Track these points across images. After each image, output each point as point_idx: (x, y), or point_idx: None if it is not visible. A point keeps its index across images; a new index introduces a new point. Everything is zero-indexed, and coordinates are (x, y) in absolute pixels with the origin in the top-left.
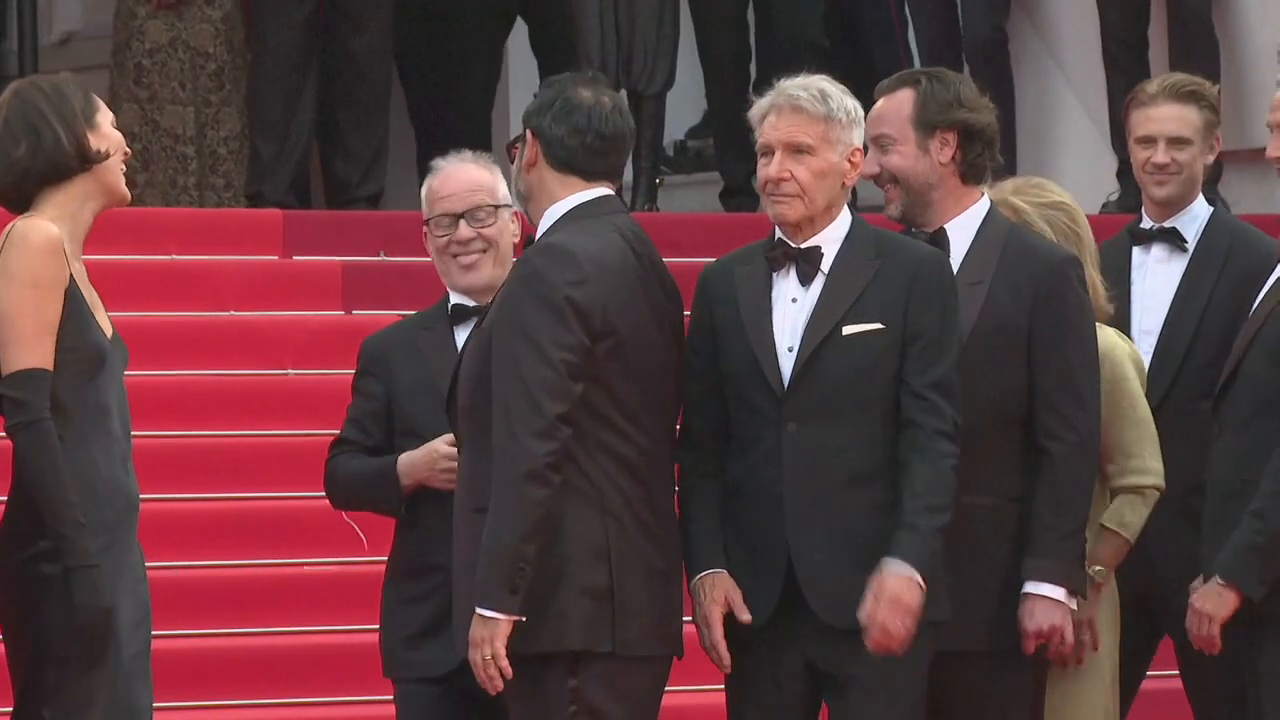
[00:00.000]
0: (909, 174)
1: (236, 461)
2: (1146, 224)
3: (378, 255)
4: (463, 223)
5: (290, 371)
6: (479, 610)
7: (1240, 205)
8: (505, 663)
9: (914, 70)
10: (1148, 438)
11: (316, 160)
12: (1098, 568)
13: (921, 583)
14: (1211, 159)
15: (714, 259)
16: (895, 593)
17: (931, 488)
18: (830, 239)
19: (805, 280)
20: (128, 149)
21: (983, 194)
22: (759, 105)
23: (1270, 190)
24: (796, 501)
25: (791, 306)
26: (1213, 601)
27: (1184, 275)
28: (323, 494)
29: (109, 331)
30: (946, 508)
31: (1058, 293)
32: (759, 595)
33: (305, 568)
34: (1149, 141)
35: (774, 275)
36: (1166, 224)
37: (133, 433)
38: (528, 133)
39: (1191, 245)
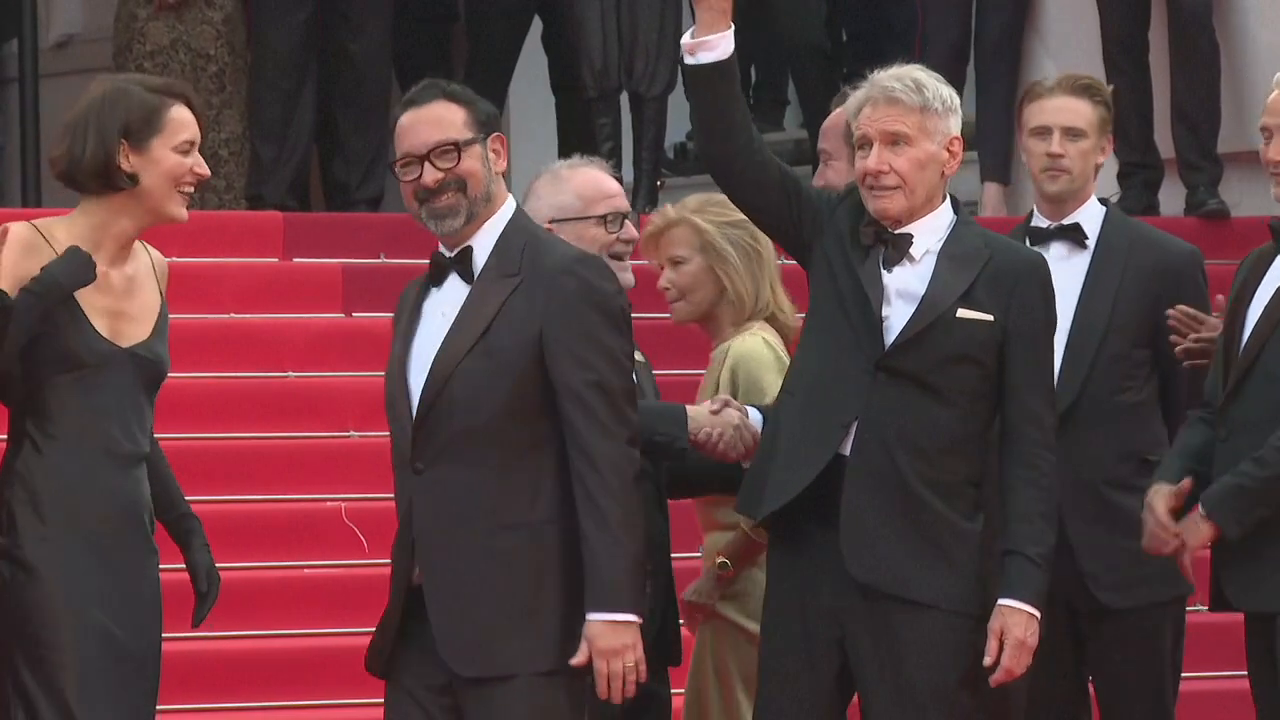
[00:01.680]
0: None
1: (236, 464)
2: (1042, 222)
3: (378, 257)
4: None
5: (290, 374)
6: (618, 618)
7: (1240, 207)
8: (644, 666)
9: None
10: None
11: (317, 162)
12: (723, 560)
13: (1039, 615)
14: (1103, 159)
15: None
16: (1020, 638)
17: (1038, 509)
18: (926, 229)
19: (888, 264)
20: (201, 171)
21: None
22: (854, 98)
23: (1270, 192)
24: (862, 447)
25: (888, 275)
26: (1190, 530)
27: (1089, 270)
28: (323, 496)
29: (133, 340)
30: (1053, 528)
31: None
32: (777, 490)
33: (305, 570)
34: (1044, 132)
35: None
36: (1065, 221)
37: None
38: (500, 139)
39: (1092, 241)
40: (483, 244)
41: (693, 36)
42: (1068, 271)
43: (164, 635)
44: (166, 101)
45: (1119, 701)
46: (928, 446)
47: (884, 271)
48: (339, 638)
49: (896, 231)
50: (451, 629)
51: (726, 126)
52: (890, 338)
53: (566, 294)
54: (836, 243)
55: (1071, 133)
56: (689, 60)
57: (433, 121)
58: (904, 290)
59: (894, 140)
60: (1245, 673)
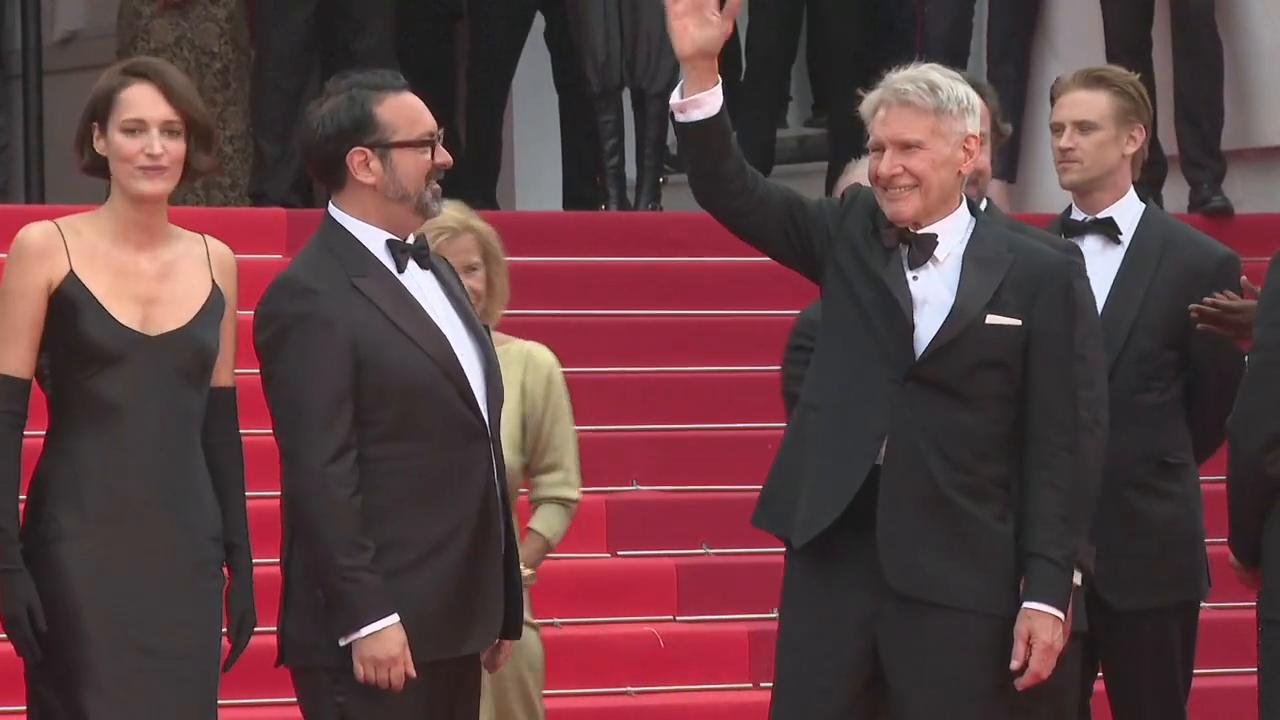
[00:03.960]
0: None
1: (245, 461)
2: (1078, 215)
3: None
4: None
5: None
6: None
7: (1245, 205)
8: None
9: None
10: (576, 454)
11: None
12: (529, 571)
13: (1065, 618)
14: (1133, 150)
15: (718, 257)
16: (1048, 641)
17: (1058, 511)
18: (948, 230)
19: (914, 265)
20: (151, 152)
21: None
22: (869, 100)
23: (1274, 189)
24: (896, 458)
25: (913, 282)
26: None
27: (1121, 266)
28: None
29: (168, 326)
30: (1074, 529)
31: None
32: (803, 520)
33: None
34: (1058, 128)
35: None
36: (1100, 215)
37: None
38: None
39: (1127, 237)
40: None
41: (681, 95)
42: (1100, 266)
43: None
44: (126, 81)
45: (1131, 703)
46: (959, 452)
47: (909, 276)
48: None
49: (919, 231)
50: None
51: (722, 177)
52: (920, 346)
53: None
54: (850, 252)
55: (1082, 126)
56: (679, 118)
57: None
58: (930, 297)
59: (905, 145)
60: (1251, 670)
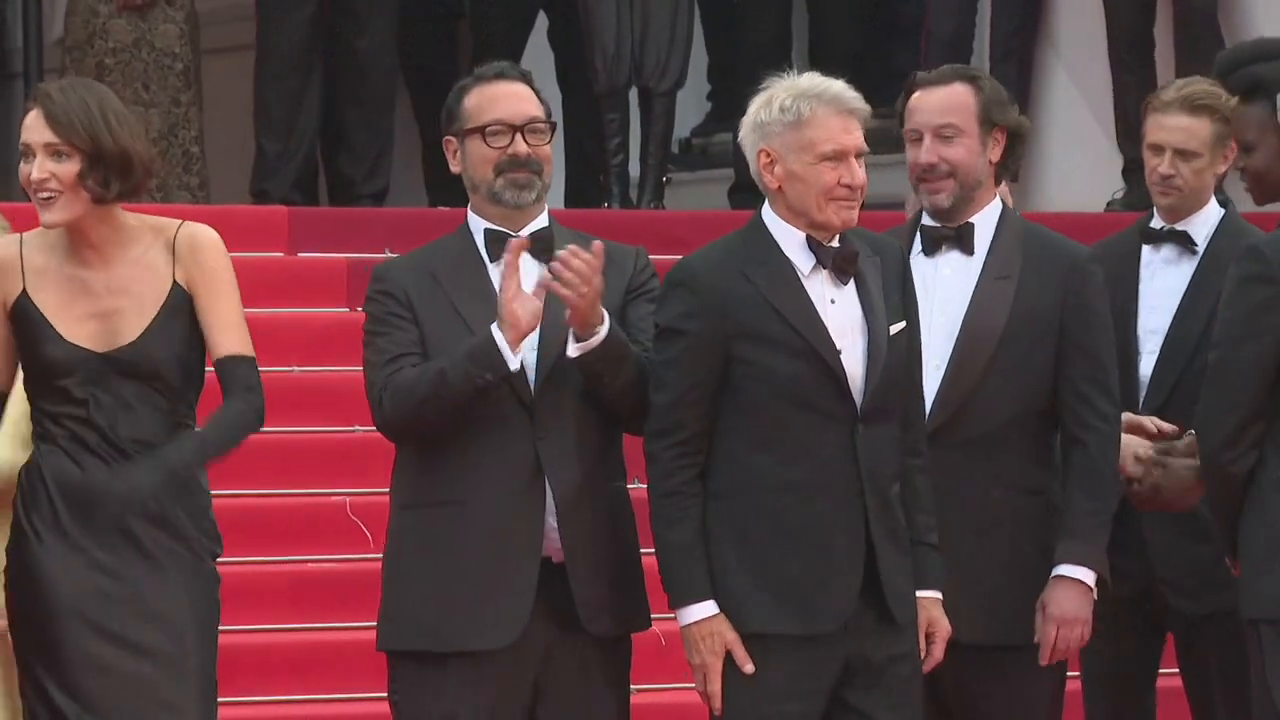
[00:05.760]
0: (968, 168)
1: (240, 459)
2: (1157, 224)
3: (383, 252)
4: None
5: (295, 369)
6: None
7: (1245, 204)
8: None
9: (959, 66)
10: None
11: (321, 158)
12: None
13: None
14: (1225, 169)
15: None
16: (948, 629)
17: (932, 502)
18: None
19: (842, 280)
20: (34, 178)
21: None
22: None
23: None
24: (874, 502)
25: (832, 308)
26: None
27: (1192, 277)
28: (328, 491)
29: (121, 340)
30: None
31: (1082, 286)
32: (829, 602)
33: (310, 565)
34: (1158, 150)
35: (801, 278)
36: (1178, 226)
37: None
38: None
39: (1201, 248)
40: (542, 224)
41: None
42: (1174, 275)
43: None
44: (28, 107)
45: (1235, 704)
46: (894, 468)
47: (829, 300)
48: (343, 632)
49: (840, 246)
50: (596, 592)
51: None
52: (860, 379)
53: (649, 275)
54: (749, 338)
55: (1184, 154)
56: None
57: (526, 97)
58: (852, 320)
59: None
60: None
